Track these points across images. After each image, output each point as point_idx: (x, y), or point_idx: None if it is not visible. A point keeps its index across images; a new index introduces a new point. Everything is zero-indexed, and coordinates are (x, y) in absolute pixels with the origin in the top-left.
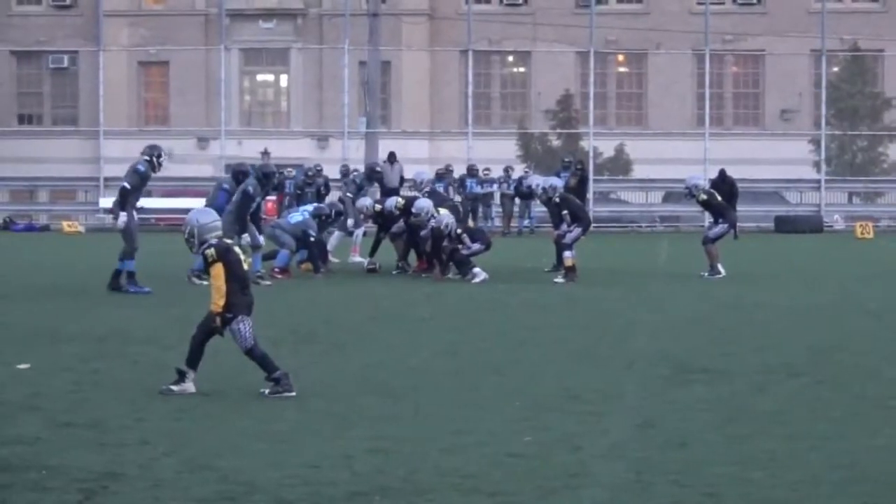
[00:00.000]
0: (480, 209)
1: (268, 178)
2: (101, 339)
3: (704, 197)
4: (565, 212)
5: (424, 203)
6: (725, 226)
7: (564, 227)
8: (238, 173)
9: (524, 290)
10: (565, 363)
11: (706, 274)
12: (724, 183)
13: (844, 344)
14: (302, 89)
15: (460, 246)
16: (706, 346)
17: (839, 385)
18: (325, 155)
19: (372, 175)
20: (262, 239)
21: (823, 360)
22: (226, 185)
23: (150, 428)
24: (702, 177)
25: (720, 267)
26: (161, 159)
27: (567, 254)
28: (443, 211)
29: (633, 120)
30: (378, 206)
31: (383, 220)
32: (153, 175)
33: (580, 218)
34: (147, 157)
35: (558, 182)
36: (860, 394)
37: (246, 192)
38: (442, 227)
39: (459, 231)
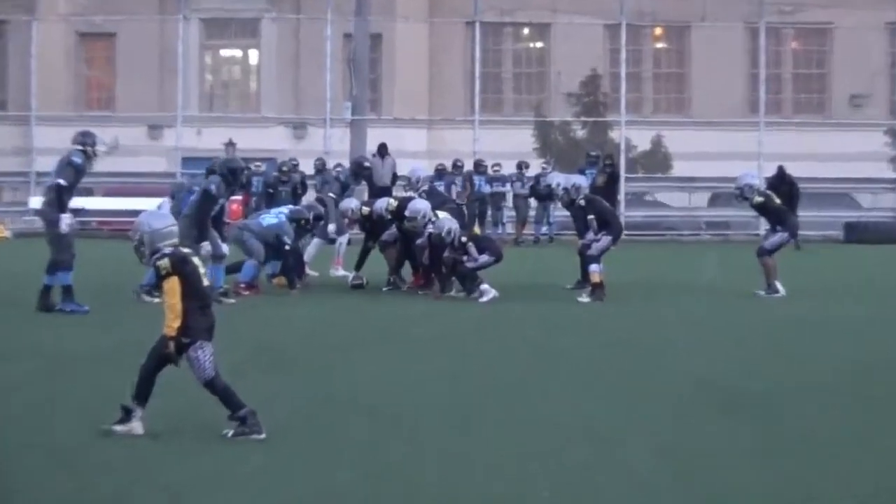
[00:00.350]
0: (489, 212)
1: (234, 174)
2: (27, 364)
3: (760, 199)
4: (591, 217)
5: (421, 205)
6: (785, 234)
7: (590, 235)
8: (212, 173)
9: (541, 311)
10: (586, 391)
11: (762, 292)
12: (782, 182)
13: None
14: (275, 67)
15: (465, 257)
16: (755, 373)
17: None
18: (303, 146)
19: (359, 171)
20: (225, 248)
21: None
22: (196, 188)
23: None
24: (756, 175)
25: (778, 284)
26: (97, 147)
27: (594, 267)
28: (443, 215)
29: (673, 106)
30: (366, 209)
31: (372, 225)
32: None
33: (609, 224)
34: (80, 147)
35: (583, 181)
36: None
37: (207, 192)
38: (442, 235)
39: (464, 239)
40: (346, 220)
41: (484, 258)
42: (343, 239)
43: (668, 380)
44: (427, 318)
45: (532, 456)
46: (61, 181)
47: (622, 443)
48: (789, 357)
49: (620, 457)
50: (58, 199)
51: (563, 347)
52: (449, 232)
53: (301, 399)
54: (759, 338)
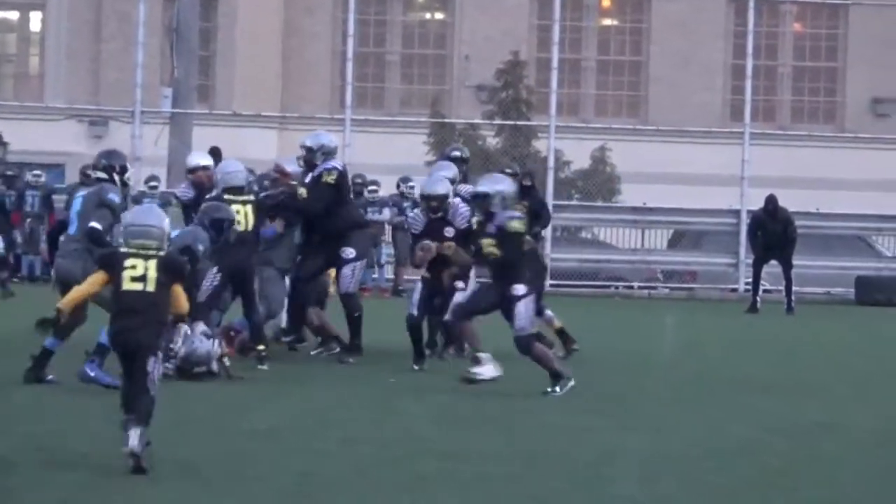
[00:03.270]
0: None
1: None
2: None
3: (517, 226)
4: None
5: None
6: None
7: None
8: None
9: (433, 390)
10: None
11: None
12: (773, 219)
13: None
14: (66, 38)
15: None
16: (739, 496)
17: None
18: (103, 148)
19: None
20: None
21: None
22: None
23: None
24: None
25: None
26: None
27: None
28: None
29: (623, 108)
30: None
31: None
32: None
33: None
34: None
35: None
36: None
37: None
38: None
39: None
40: None
41: None
42: None
43: None
44: (266, 402)
45: None
46: (96, 225)
47: None
48: (814, 485)
49: None
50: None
51: (469, 453)
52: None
53: None
54: (743, 449)
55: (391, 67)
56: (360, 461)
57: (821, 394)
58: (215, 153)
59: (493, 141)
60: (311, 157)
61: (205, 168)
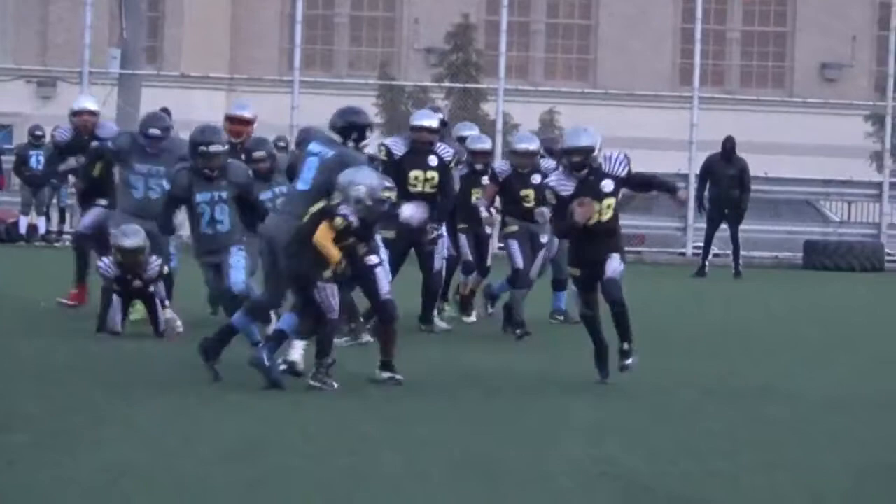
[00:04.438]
0: None
1: None
2: None
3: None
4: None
5: None
6: None
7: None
8: None
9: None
10: (436, 486)
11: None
12: (728, 161)
13: None
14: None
15: None
16: (681, 458)
17: None
18: (50, 109)
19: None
20: None
21: None
22: None
23: None
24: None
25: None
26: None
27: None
28: None
29: (573, 71)
30: None
31: None
32: None
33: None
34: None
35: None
36: None
37: None
38: None
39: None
40: None
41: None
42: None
43: (565, 472)
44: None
45: None
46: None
47: None
48: (762, 449)
49: None
50: None
51: (405, 418)
52: None
53: None
54: (692, 413)
55: (340, 30)
56: (306, 423)
57: (766, 358)
58: (165, 114)
59: (442, 104)
60: (430, 138)
61: (91, 113)
